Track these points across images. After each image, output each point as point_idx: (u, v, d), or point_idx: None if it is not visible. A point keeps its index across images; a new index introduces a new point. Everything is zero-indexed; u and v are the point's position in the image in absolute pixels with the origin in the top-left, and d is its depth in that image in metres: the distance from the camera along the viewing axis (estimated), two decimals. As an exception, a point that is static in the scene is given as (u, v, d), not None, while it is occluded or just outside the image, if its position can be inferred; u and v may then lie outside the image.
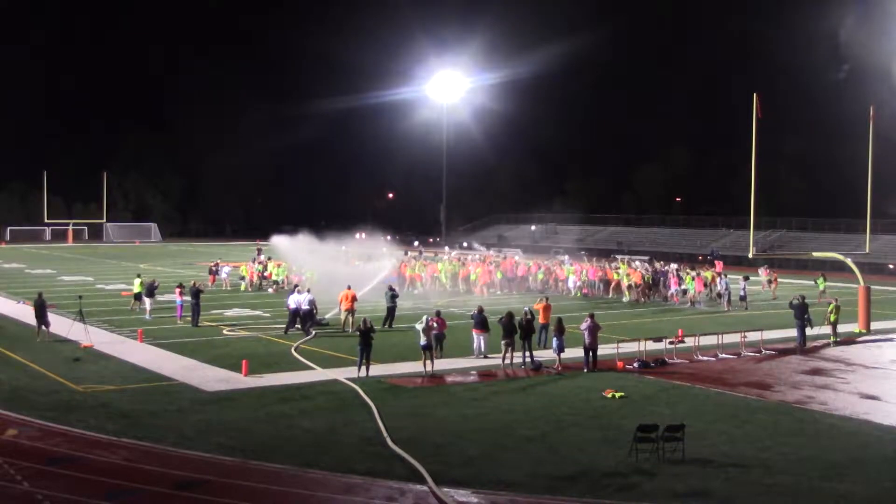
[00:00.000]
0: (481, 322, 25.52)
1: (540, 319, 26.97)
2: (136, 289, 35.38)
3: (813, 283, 43.95)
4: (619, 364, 24.70)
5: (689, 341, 27.56)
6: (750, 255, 38.33)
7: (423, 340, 23.33)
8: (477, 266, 44.83)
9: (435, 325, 24.19)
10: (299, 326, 30.10)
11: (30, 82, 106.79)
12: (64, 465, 15.23)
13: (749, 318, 34.98)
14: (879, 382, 23.33)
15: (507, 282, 44.06)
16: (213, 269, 46.46)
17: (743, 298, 38.99)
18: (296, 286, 33.45)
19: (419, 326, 23.68)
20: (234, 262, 49.79)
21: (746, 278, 40.52)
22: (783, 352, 27.63)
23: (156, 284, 34.70)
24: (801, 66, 75.57)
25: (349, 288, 32.06)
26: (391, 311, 31.64)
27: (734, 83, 74.94)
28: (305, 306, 29.85)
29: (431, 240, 79.68)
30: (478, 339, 25.56)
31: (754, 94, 32.02)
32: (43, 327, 28.22)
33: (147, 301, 33.76)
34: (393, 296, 32.14)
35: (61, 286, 45.08)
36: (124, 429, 17.43)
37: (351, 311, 30.02)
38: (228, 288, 43.75)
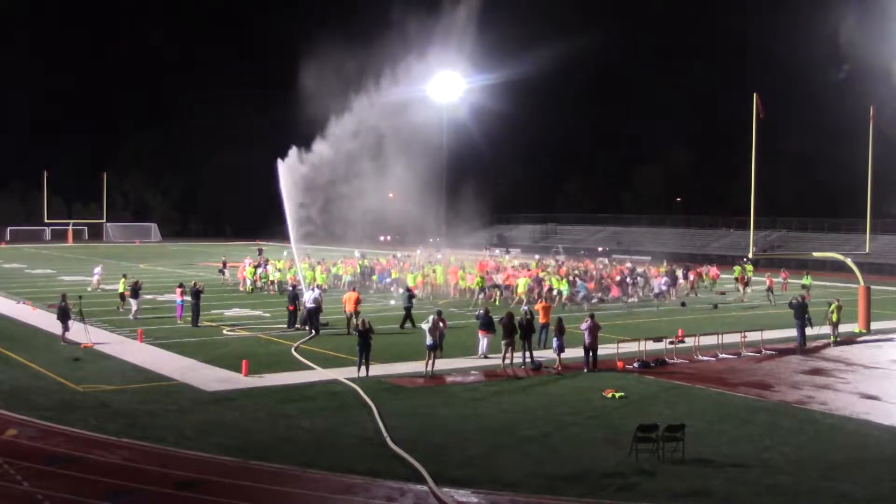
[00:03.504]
0: (487, 323, 25.51)
1: (540, 319, 27.00)
2: (121, 288, 35.34)
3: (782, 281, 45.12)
4: (619, 364, 24.70)
5: (689, 341, 27.57)
6: (750, 255, 38.42)
7: (429, 340, 23.35)
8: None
9: (441, 325, 24.21)
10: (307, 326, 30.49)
11: (30, 82, 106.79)
12: (64, 465, 15.22)
13: (749, 319, 35.00)
14: (879, 382, 23.34)
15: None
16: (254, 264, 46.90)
17: (657, 295, 39.43)
18: (294, 286, 33.49)
19: (425, 326, 23.75)
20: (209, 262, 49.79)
21: (672, 278, 41.85)
22: (783, 352, 27.63)
23: (139, 285, 34.62)
24: (801, 66, 75.54)
25: (354, 290, 32.58)
26: (408, 311, 31.86)
27: (734, 83, 74.89)
28: (310, 304, 29.92)
29: (431, 240, 79.72)
30: (483, 341, 25.56)
31: (754, 94, 32.04)
32: (66, 333, 27.79)
33: (133, 302, 33.67)
34: (410, 296, 32.71)
35: (61, 286, 45.02)
36: (124, 429, 17.43)
37: (355, 313, 30.02)
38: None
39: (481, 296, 39.02)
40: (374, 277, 44.42)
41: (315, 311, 29.95)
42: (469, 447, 16.59)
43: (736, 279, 44.85)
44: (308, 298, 30.24)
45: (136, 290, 33.84)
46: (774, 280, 42.62)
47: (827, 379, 23.53)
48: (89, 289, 42.39)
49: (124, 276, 37.09)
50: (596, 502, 13.72)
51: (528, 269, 44.96)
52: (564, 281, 39.68)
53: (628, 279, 42.54)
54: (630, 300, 40.70)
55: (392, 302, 38.95)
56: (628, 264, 48.94)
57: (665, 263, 51.07)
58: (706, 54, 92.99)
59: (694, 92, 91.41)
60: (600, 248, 75.23)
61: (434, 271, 43.62)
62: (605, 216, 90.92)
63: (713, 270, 48.00)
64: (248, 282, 44.17)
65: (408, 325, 31.09)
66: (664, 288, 40.59)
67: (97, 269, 45.92)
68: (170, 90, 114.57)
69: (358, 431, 17.58)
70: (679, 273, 45.90)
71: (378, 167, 50.35)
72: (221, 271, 48.46)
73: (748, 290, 42.72)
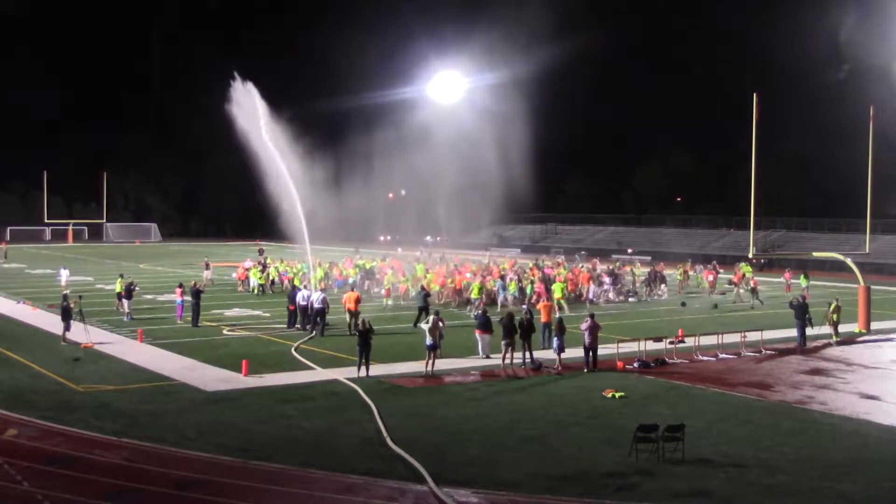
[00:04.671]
0: (485, 323, 25.52)
1: (542, 319, 26.97)
2: (118, 288, 35.34)
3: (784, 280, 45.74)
4: (619, 364, 24.69)
5: (689, 341, 27.57)
6: (750, 255, 38.47)
7: (429, 340, 23.37)
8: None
9: (441, 325, 24.19)
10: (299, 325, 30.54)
11: (30, 82, 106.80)
12: (64, 465, 15.22)
13: (750, 318, 35.00)
14: (879, 382, 23.34)
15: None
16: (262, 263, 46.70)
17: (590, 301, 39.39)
18: (294, 286, 33.54)
19: (425, 326, 23.79)
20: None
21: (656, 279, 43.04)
22: (783, 352, 27.63)
23: (133, 287, 34.59)
24: (801, 66, 75.55)
25: (353, 290, 32.67)
26: (422, 310, 31.85)
27: (734, 83, 74.88)
28: (318, 305, 29.89)
29: (429, 238, 79.85)
30: (482, 341, 25.56)
31: (754, 94, 32.06)
32: (66, 332, 27.76)
33: (125, 303, 33.68)
34: (425, 295, 32.91)
35: (61, 286, 45.02)
36: (124, 429, 17.43)
37: (355, 312, 29.98)
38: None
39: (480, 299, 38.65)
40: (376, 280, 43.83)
41: (322, 312, 29.93)
42: (469, 447, 16.59)
43: (730, 280, 44.98)
44: (316, 299, 30.16)
45: (129, 291, 33.86)
46: (759, 280, 42.83)
47: (827, 379, 23.53)
48: (68, 291, 41.91)
49: (121, 276, 37.07)
50: (596, 502, 13.71)
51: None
52: (513, 283, 39.42)
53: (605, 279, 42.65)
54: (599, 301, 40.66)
55: (390, 302, 38.91)
56: (609, 266, 49.16)
57: (689, 263, 51.40)
58: (706, 54, 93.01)
59: (694, 92, 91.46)
60: (630, 250, 74.91)
61: (426, 274, 43.15)
62: (605, 216, 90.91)
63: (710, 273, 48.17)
64: (254, 282, 43.96)
65: (420, 324, 31.07)
66: (599, 291, 40.63)
67: (63, 271, 45.80)
68: (170, 90, 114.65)
69: (358, 431, 17.57)
70: (679, 271, 46.00)
71: (382, 167, 50.25)
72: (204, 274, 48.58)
73: (740, 289, 42.73)
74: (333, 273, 44.75)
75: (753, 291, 40.58)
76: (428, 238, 62.61)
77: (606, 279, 42.34)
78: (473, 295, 37.26)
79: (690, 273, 47.73)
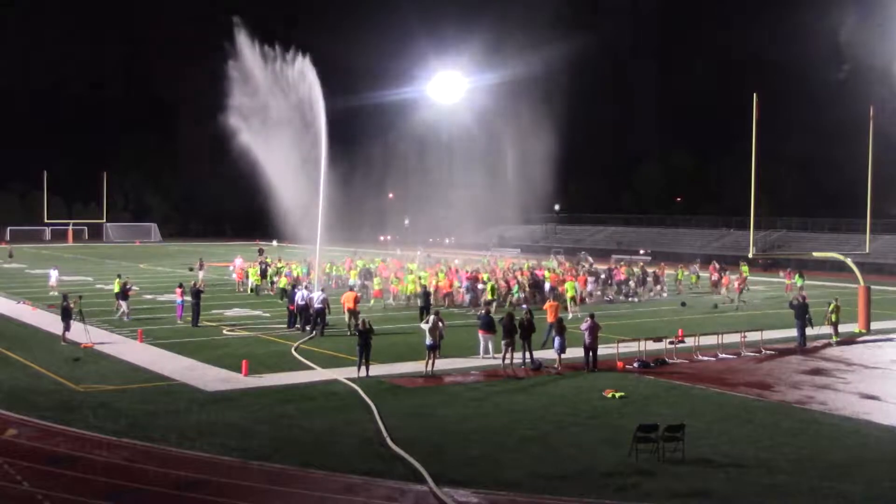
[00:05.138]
0: (488, 323, 25.51)
1: (548, 319, 26.93)
2: (116, 288, 35.30)
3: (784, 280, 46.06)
4: (619, 364, 24.69)
5: (689, 341, 27.56)
6: (750, 255, 38.45)
7: (428, 340, 23.36)
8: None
9: (441, 324, 24.17)
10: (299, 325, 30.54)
11: (30, 82, 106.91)
12: (64, 465, 15.23)
13: (750, 318, 35.01)
14: (879, 382, 23.33)
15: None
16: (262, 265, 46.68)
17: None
18: (294, 286, 33.55)
19: (425, 326, 23.77)
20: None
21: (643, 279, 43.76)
22: (783, 352, 27.63)
23: (129, 287, 34.58)
24: (801, 66, 75.62)
25: (351, 289, 32.68)
26: (424, 309, 31.91)
27: (734, 83, 74.96)
28: (318, 305, 29.89)
29: (432, 239, 79.86)
30: (484, 341, 25.56)
31: (754, 94, 32.06)
32: (66, 332, 27.75)
33: (123, 304, 33.67)
34: (427, 295, 33.33)
35: (61, 286, 45.01)
36: (124, 429, 17.44)
37: (354, 312, 29.96)
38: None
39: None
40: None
41: (322, 312, 29.92)
42: (469, 447, 16.59)
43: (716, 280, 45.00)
44: (316, 298, 30.17)
45: (124, 292, 33.84)
46: (758, 280, 42.78)
47: (827, 379, 23.53)
48: (55, 292, 41.78)
49: (118, 276, 37.07)
50: (596, 502, 13.72)
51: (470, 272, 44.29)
52: (491, 284, 39.30)
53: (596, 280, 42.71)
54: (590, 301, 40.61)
55: (391, 302, 38.92)
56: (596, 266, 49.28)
57: (698, 262, 51.47)
58: (706, 54, 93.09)
59: (694, 92, 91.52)
60: (642, 251, 74.84)
61: (419, 277, 42.82)
62: (605, 216, 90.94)
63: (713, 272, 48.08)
64: (251, 282, 43.92)
65: (420, 323, 31.05)
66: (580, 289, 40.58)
67: (52, 272, 45.68)
68: (170, 89, 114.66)
69: (358, 431, 17.57)
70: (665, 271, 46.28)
71: (382, 167, 50.19)
72: (191, 269, 48.46)
73: (723, 290, 42.76)
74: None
75: (739, 293, 40.66)
76: (420, 250, 62.53)
77: (590, 278, 42.34)
78: (489, 296, 36.89)
79: (686, 272, 47.59)
